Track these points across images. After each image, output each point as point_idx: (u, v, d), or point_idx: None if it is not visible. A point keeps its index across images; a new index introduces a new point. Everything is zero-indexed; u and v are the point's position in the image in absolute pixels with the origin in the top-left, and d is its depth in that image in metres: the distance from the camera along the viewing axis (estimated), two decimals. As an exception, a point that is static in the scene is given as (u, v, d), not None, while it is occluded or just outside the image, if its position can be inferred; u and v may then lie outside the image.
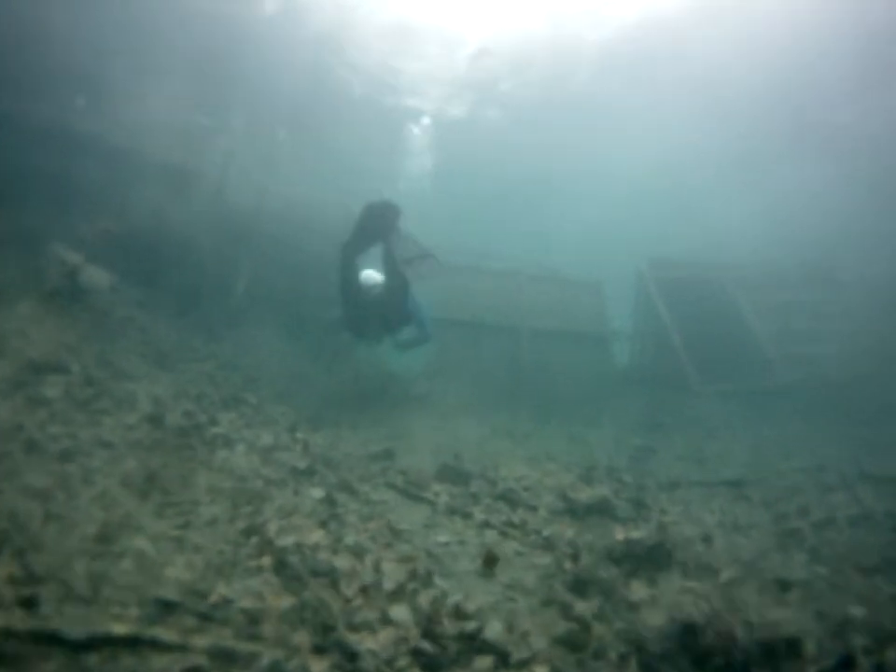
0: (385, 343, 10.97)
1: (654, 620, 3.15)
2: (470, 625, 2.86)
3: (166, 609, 2.81)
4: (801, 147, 20.58)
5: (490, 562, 3.78)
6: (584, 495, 5.50)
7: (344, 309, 10.17)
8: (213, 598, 2.93)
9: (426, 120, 22.44)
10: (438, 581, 3.42)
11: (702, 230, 27.02)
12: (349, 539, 3.69)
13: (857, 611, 3.59)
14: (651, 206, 27.96)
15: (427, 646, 2.63)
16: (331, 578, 3.18)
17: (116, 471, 4.45)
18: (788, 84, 17.98)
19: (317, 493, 4.54)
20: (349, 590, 3.05)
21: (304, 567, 3.20)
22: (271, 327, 11.48)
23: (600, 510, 5.27)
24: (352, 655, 2.55)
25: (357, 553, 3.53)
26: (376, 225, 9.72)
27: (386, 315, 10.00)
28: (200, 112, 12.42)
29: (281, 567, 3.23)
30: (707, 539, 5.04)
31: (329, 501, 4.42)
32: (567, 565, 3.95)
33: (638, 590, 3.79)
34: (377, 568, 3.36)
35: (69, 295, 7.30)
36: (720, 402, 12.53)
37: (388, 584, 3.17)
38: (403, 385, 11.70)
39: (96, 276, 8.46)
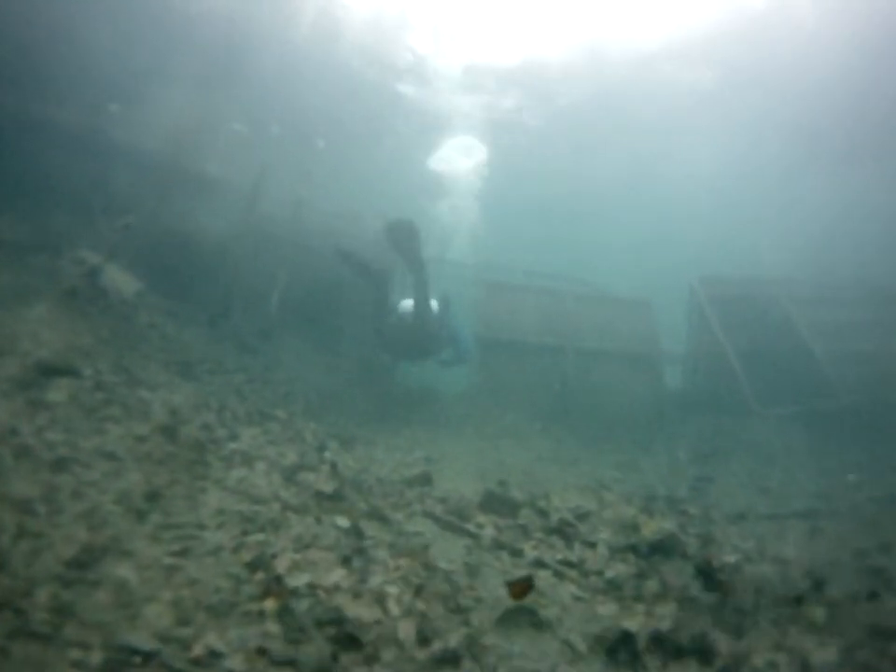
0: (426, 364, 11.16)
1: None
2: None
3: (136, 659, 2.25)
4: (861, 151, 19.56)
5: (520, 591, 3.10)
6: (648, 530, 4.79)
7: (379, 333, 10.48)
8: (196, 650, 2.34)
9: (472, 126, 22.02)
10: (485, 639, 2.75)
11: (753, 245, 26.02)
12: (374, 580, 3.02)
13: None
14: (705, 220, 27.01)
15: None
16: (345, 632, 2.53)
17: (113, 486, 3.96)
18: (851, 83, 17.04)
19: (343, 521, 3.89)
20: (365, 651, 2.39)
21: (312, 617, 2.55)
22: (306, 341, 10.98)
23: (667, 547, 4.53)
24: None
25: (382, 598, 2.87)
26: (398, 243, 9.85)
27: (419, 340, 10.26)
28: (235, 120, 12.09)
29: (286, 614, 2.58)
30: (786, 581, 4.31)
31: (356, 532, 3.77)
32: (639, 617, 3.24)
33: (724, 646, 3.08)
34: (405, 620, 2.70)
35: (87, 296, 6.85)
36: (777, 427, 11.68)
37: (417, 643, 2.50)
38: (444, 403, 11.09)
39: (121, 280, 8.05)
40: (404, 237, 9.87)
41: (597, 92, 19.09)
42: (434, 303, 10.63)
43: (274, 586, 2.82)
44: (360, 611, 2.63)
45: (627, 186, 24.81)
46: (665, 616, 3.21)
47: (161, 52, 12.88)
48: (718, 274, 14.99)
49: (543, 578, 3.77)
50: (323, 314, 11.59)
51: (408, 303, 10.39)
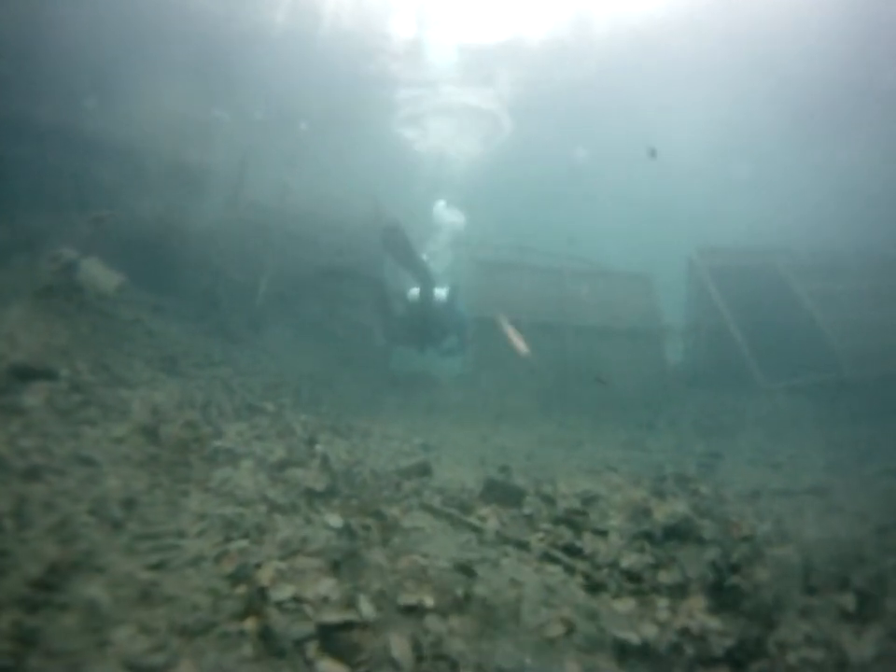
0: (428, 351, 11.23)
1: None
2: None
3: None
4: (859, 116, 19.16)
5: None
6: (661, 513, 4.51)
7: (385, 321, 10.81)
8: (168, 680, 2.05)
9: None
10: (490, 654, 2.47)
11: (755, 212, 25.61)
12: (368, 589, 2.74)
13: None
14: (703, 188, 26.57)
15: None
16: (332, 652, 2.25)
17: (89, 494, 3.70)
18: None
19: (334, 521, 3.61)
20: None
21: (294, 639, 2.27)
22: (296, 329, 10.67)
23: (682, 532, 4.26)
24: None
25: (379, 610, 2.58)
26: (393, 252, 10.36)
27: (426, 327, 10.51)
28: (217, 106, 11.69)
29: (267, 635, 2.30)
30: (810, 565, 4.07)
31: (348, 532, 3.48)
32: (664, 613, 2.97)
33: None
34: (399, 637, 2.42)
35: (64, 294, 6.52)
36: (783, 400, 11.44)
37: (414, 663, 2.22)
38: (441, 387, 10.84)
39: (102, 275, 7.73)
40: (397, 244, 10.26)
41: (588, 68, 18.68)
42: (442, 292, 10.89)
43: (257, 602, 2.54)
44: (349, 628, 2.34)
45: (622, 161, 24.37)
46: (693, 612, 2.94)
47: (139, 40, 12.46)
48: (717, 246, 14.71)
49: (552, 573, 3.50)
50: (312, 301, 11.27)
51: (415, 292, 10.69)
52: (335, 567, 2.93)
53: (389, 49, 17.43)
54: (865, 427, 10.18)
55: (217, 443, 4.84)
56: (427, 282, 10.47)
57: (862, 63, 17.28)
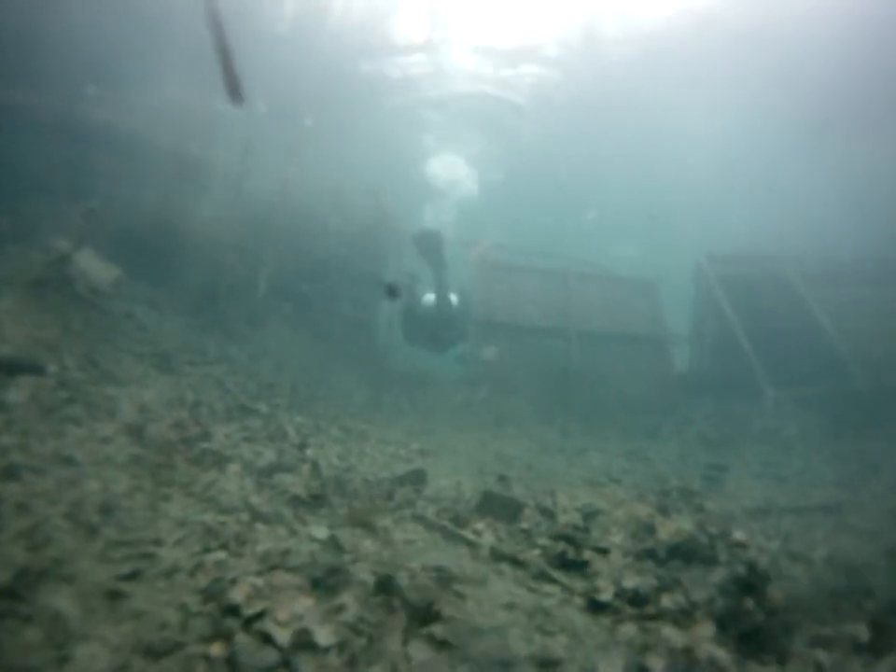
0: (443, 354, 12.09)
1: None
2: None
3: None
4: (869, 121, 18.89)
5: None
6: (665, 531, 4.32)
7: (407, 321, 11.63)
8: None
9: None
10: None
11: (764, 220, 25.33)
12: (349, 612, 2.54)
13: None
14: (711, 195, 26.30)
15: None
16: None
17: (66, 496, 3.57)
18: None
19: (319, 532, 3.42)
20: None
21: (259, 668, 2.08)
22: (295, 326, 10.49)
23: (687, 551, 4.08)
24: None
25: (351, 639, 2.38)
26: (425, 251, 11.22)
27: (440, 332, 11.33)
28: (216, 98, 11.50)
29: (233, 662, 2.12)
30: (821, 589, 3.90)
31: (334, 545, 3.30)
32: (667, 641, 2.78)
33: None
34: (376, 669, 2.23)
35: (56, 287, 6.35)
36: (790, 411, 11.20)
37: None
38: (441, 389, 10.67)
39: (97, 268, 7.55)
40: (431, 247, 11.15)
41: (600, 71, 18.48)
42: (454, 297, 11.61)
43: (227, 623, 2.36)
44: (319, 658, 2.15)
45: (631, 163, 24.15)
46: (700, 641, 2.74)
47: (141, 30, 12.30)
48: (726, 252, 14.47)
49: (549, 594, 3.31)
50: (312, 297, 11.09)
51: (431, 297, 11.45)
52: (316, 586, 2.74)
53: (397, 46, 17.28)
54: (874, 440, 9.95)
55: (205, 445, 4.67)
56: (444, 288, 11.13)
57: (881, 68, 17.00)
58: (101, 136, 10.08)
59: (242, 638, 2.22)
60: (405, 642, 2.41)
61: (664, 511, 4.97)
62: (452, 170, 24.72)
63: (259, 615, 2.40)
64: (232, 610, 2.46)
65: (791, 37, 16.10)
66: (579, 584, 3.44)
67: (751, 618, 3.21)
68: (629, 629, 3.04)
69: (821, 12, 15.21)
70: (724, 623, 3.13)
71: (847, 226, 22.22)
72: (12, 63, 9.89)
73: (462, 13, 16.75)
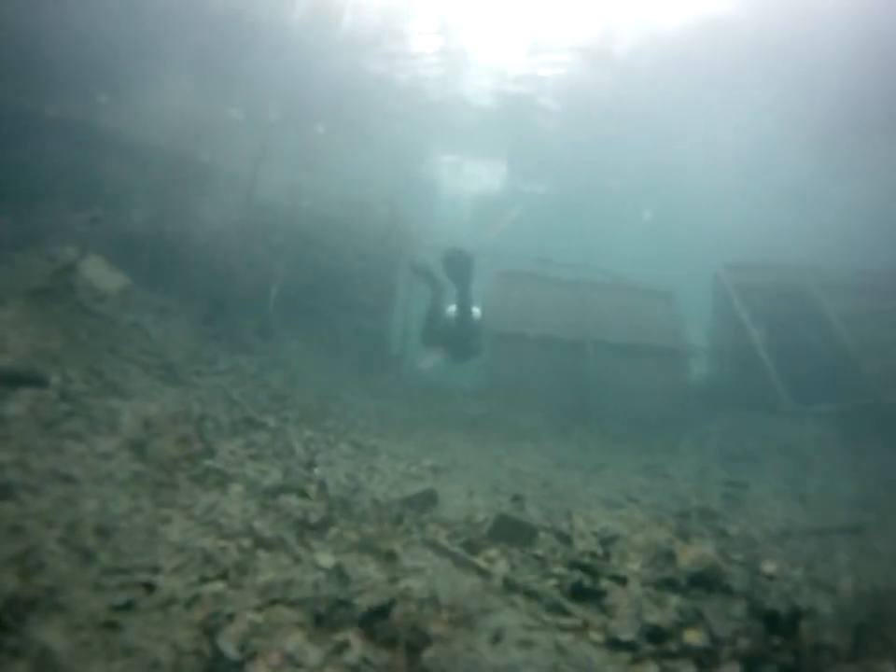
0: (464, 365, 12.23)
1: None
2: None
3: None
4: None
5: None
6: (686, 558, 4.11)
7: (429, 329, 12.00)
8: None
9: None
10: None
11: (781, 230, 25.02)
12: (352, 653, 2.36)
13: None
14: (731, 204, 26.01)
15: None
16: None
17: (62, 518, 3.42)
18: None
19: (325, 560, 3.25)
20: None
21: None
22: (306, 337, 10.34)
23: (709, 580, 3.87)
24: None
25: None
26: (454, 271, 11.55)
27: (463, 340, 11.64)
28: (230, 105, 11.45)
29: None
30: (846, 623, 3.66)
31: (339, 574, 3.12)
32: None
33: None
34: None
35: (60, 295, 6.23)
36: (811, 426, 10.95)
37: None
38: (455, 403, 10.50)
39: (105, 277, 7.46)
40: (461, 267, 11.43)
41: (619, 76, 18.28)
42: (477, 310, 11.98)
43: (220, 666, 2.19)
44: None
45: (649, 171, 23.90)
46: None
47: (153, 36, 12.25)
48: (744, 261, 14.21)
49: (565, 628, 3.11)
50: (324, 308, 10.94)
51: (454, 309, 11.86)
52: (318, 622, 2.57)
53: (409, 51, 17.16)
54: (895, 455, 9.71)
55: (209, 463, 4.51)
56: (468, 301, 11.55)
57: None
58: (108, 143, 10.00)
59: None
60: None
61: (684, 535, 4.76)
62: (472, 174, 24.73)
63: (253, 657, 2.23)
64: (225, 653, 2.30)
65: (814, 38, 15.81)
66: (596, 618, 3.24)
67: (780, 657, 3.02)
68: (649, 669, 2.85)
69: (843, 12, 14.93)
70: (751, 665, 2.94)
71: (874, 236, 21.89)
72: (18, 67, 9.84)
73: (479, 18, 16.65)
